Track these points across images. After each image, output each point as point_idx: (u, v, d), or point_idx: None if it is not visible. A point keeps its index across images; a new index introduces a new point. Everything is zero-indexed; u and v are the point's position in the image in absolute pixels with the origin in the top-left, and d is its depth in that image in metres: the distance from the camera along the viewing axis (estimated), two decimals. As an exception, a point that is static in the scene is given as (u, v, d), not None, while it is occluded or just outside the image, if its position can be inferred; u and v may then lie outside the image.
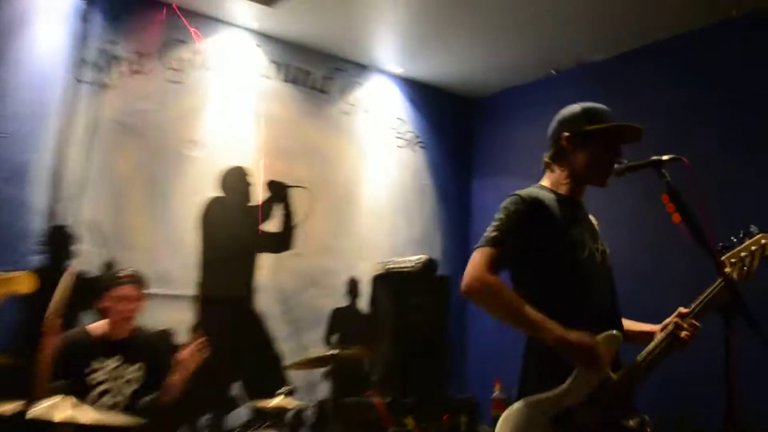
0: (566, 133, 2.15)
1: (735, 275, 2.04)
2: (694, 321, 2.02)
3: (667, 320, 2.09)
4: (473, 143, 5.77)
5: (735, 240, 2.08)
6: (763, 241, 2.06)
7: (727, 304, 1.94)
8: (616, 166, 2.05)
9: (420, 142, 5.54)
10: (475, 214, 5.62)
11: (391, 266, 4.76)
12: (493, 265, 1.96)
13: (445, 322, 4.67)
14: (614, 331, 2.00)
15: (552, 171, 2.21)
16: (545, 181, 2.21)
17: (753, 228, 2.10)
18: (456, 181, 5.69)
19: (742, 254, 2.06)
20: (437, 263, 4.87)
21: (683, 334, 2.01)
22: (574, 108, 2.19)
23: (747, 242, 2.08)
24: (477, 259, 1.97)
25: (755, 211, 3.35)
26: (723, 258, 2.05)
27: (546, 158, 2.21)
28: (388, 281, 4.70)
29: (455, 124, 5.77)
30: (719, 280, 1.99)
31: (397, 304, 4.53)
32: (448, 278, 4.88)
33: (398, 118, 5.46)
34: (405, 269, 4.65)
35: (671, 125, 4.12)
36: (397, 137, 5.43)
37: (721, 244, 2.05)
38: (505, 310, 1.93)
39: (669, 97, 4.35)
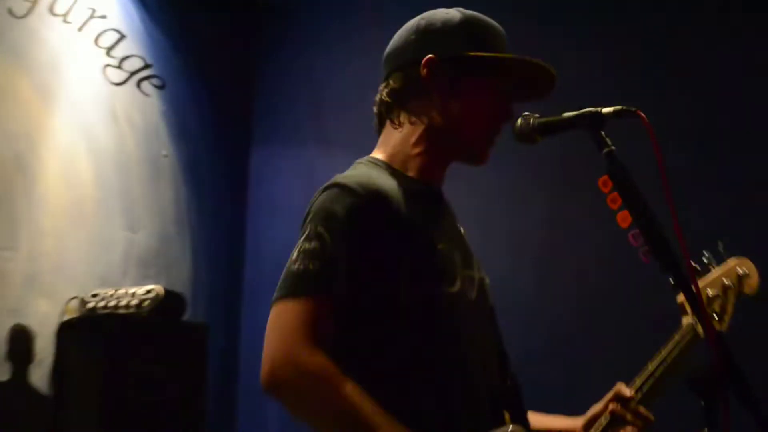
0: (431, 55, 2.12)
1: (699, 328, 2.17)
2: (641, 409, 2.11)
3: (596, 407, 2.19)
4: (253, 84, 5.86)
5: (698, 268, 2.19)
6: (739, 270, 2.23)
7: (705, 375, 1.93)
8: (519, 122, 2.05)
9: (154, 77, 5.39)
10: (255, 209, 5.69)
11: (97, 306, 4.35)
12: (318, 332, 1.87)
13: (200, 408, 4.46)
14: (509, 428, 2.01)
15: (392, 130, 2.20)
16: (379, 152, 2.20)
17: (719, 246, 2.27)
18: (221, 152, 5.72)
19: (708, 293, 2.21)
20: (184, 300, 4.49)
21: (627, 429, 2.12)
22: (449, 14, 2.19)
23: (715, 272, 2.24)
24: (284, 322, 1.89)
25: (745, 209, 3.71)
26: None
27: (380, 105, 2.21)
28: (90, 334, 4.40)
29: (222, 46, 5.79)
30: (684, 330, 2.16)
31: (107, 378, 4.25)
32: (206, 329, 4.74)
33: (114, 30, 5.23)
34: (122, 312, 4.26)
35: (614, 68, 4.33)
36: (111, 66, 5.21)
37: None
38: (338, 423, 1.87)
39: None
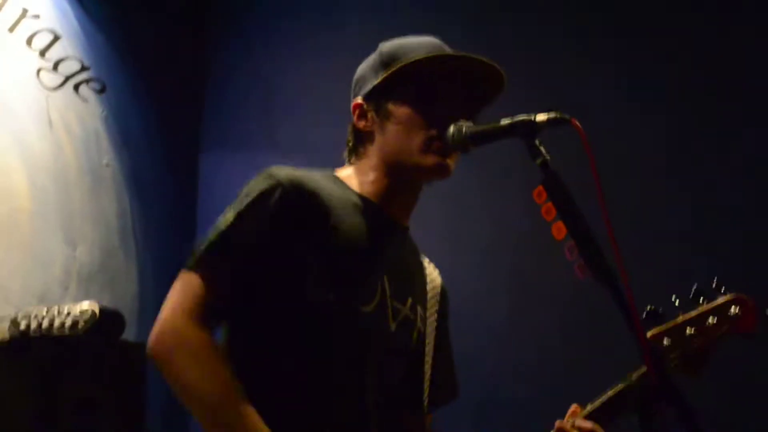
0: (357, 100, 2.29)
1: (674, 363, 2.12)
2: (584, 423, 2.08)
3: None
4: (201, 87, 5.73)
5: (677, 303, 2.16)
6: (733, 310, 2.12)
7: (648, 399, 2.01)
8: (451, 130, 2.07)
9: (93, 80, 5.18)
10: (207, 219, 5.38)
11: (29, 326, 4.17)
12: (208, 308, 1.96)
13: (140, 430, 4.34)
14: None
15: (354, 161, 2.33)
16: (344, 174, 2.30)
17: (715, 283, 2.17)
18: (168, 159, 5.56)
19: (689, 332, 2.13)
20: (121, 318, 4.28)
21: None
22: (370, 56, 2.34)
23: (702, 309, 2.14)
24: (179, 294, 1.98)
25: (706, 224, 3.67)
26: (651, 332, 2.13)
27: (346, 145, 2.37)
28: (20, 357, 4.19)
29: (166, 46, 5.61)
30: (626, 382, 2.11)
31: (39, 402, 4.07)
32: (144, 347, 4.43)
33: (48, 31, 4.98)
34: (56, 333, 4.08)
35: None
36: (45, 69, 4.97)
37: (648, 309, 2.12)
38: (204, 404, 1.93)
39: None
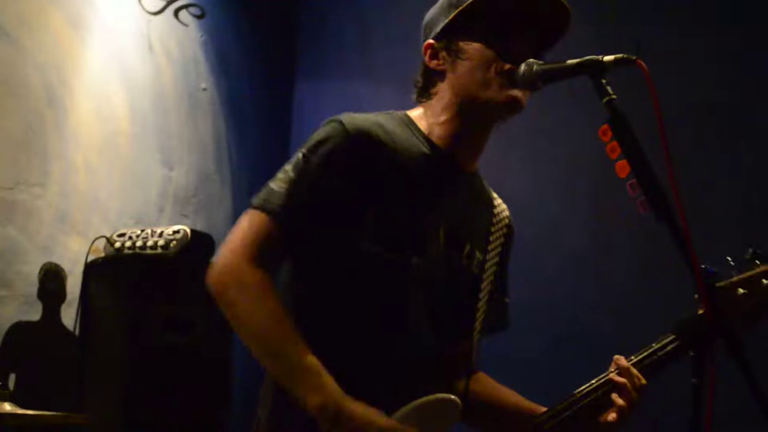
0: (426, 42, 2.24)
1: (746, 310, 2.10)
2: (639, 377, 2.09)
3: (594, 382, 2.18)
4: (298, 15, 5.78)
5: (732, 262, 2.13)
6: (765, 281, 2.13)
7: (694, 326, 1.99)
8: (522, 68, 2.04)
9: (192, 5, 5.28)
10: (300, 144, 5.42)
11: (125, 245, 4.35)
12: (265, 250, 1.97)
13: (225, 348, 4.41)
14: (439, 396, 2.08)
15: (425, 103, 2.26)
16: (412, 113, 2.24)
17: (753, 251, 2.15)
18: (264, 86, 5.66)
19: (740, 291, 2.12)
20: (212, 241, 4.43)
21: (620, 399, 2.07)
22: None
23: (757, 270, 2.12)
24: (243, 230, 2.00)
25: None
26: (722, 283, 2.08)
27: (415, 84, 2.30)
28: (117, 275, 4.38)
29: None
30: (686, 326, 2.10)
31: (129, 319, 4.23)
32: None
33: None
34: (149, 252, 4.26)
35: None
36: None
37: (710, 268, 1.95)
38: (255, 335, 1.98)
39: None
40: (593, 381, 2.12)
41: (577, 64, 1.93)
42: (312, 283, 2.08)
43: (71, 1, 4.72)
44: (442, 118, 2.17)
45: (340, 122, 2.04)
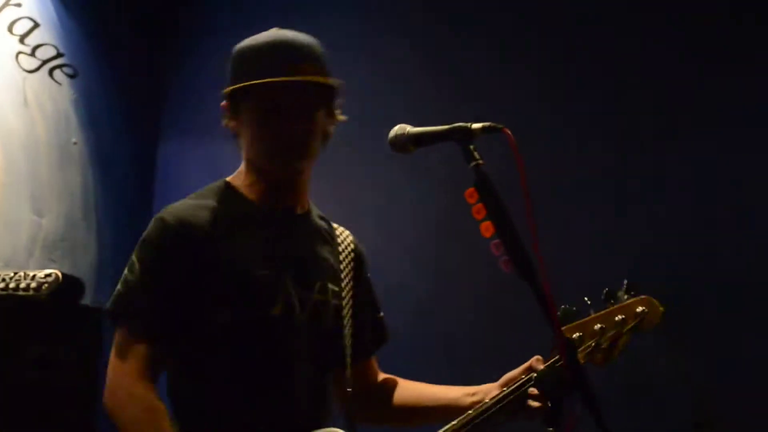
0: (223, 101, 2.29)
1: (583, 358, 2.10)
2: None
3: (510, 374, 2.18)
4: (167, 74, 5.70)
5: (588, 302, 2.18)
6: (638, 309, 2.14)
7: (553, 378, 2.05)
8: (394, 134, 2.04)
9: (66, 66, 5.19)
10: (163, 199, 5.25)
11: None
12: (140, 362, 2.05)
13: (93, 387, 4.21)
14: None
15: (242, 164, 2.32)
16: (234, 176, 2.31)
17: (624, 286, 2.20)
18: (132, 140, 5.56)
19: (597, 326, 2.14)
20: (81, 285, 4.41)
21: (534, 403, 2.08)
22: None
23: (610, 309, 2.17)
24: (115, 354, 2.09)
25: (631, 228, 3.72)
26: (564, 327, 2.09)
27: None
28: None
29: (136, 37, 5.62)
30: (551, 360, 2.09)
31: (4, 356, 4.09)
32: (98, 311, 4.47)
33: (28, 18, 4.99)
34: (20, 294, 3.93)
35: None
36: (23, 53, 4.98)
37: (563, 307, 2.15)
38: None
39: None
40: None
41: (447, 130, 1.97)
42: (188, 366, 2.12)
43: None
44: (249, 180, 2.24)
45: (161, 218, 2.16)
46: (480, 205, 1.88)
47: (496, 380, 2.22)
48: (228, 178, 2.28)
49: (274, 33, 2.28)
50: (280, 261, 2.17)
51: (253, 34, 5.19)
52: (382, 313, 2.40)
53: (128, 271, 2.12)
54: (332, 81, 2.21)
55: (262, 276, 2.12)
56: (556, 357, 2.06)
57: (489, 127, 1.91)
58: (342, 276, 2.28)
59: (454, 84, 4.35)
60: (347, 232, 2.40)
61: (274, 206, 2.22)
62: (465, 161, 1.92)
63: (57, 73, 5.12)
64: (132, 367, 2.04)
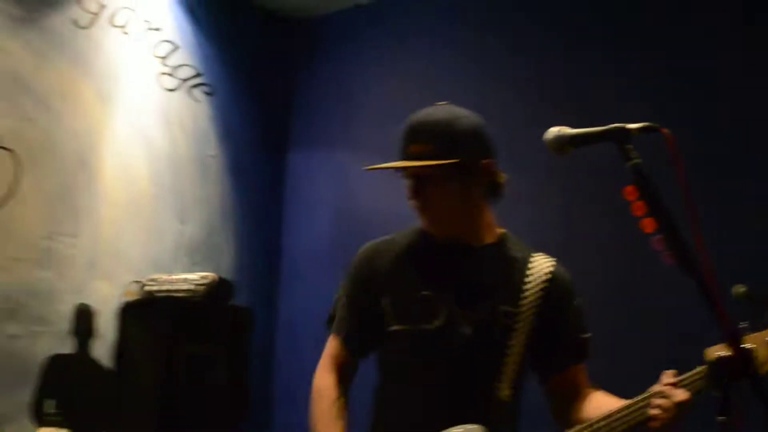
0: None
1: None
2: (684, 394, 1.98)
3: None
4: (292, 94, 5.86)
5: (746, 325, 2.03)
6: None
7: (723, 367, 1.91)
8: (553, 135, 2.03)
9: (204, 84, 5.44)
10: (293, 206, 5.71)
11: (155, 289, 4.42)
12: (337, 358, 2.41)
13: (243, 382, 4.45)
14: (462, 427, 2.16)
15: None
16: None
17: None
18: (263, 153, 5.75)
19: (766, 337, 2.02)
20: (232, 286, 4.53)
21: (655, 411, 1.99)
22: None
23: None
24: (325, 350, 2.46)
25: None
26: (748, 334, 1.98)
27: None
28: (147, 315, 4.44)
29: (266, 58, 5.81)
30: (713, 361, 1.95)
31: (162, 354, 4.25)
32: (249, 312, 4.62)
33: (168, 42, 5.25)
34: (178, 295, 4.32)
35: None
36: (166, 74, 5.24)
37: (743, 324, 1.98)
38: (311, 416, 2.35)
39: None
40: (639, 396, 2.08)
41: (605, 130, 1.98)
42: (378, 364, 2.42)
43: (101, 79, 4.85)
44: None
45: (358, 251, 2.45)
46: (640, 202, 1.86)
47: None
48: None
49: (418, 112, 2.35)
50: (445, 284, 2.31)
51: (366, 60, 5.39)
52: (586, 335, 2.39)
53: (338, 288, 2.47)
54: (417, 164, 2.25)
55: (425, 296, 2.30)
56: (722, 353, 1.96)
57: (647, 127, 1.92)
58: (521, 299, 2.32)
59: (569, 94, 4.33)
60: (544, 262, 2.40)
61: (449, 241, 2.35)
62: (623, 160, 1.90)
63: (196, 91, 5.36)
64: (329, 359, 2.41)
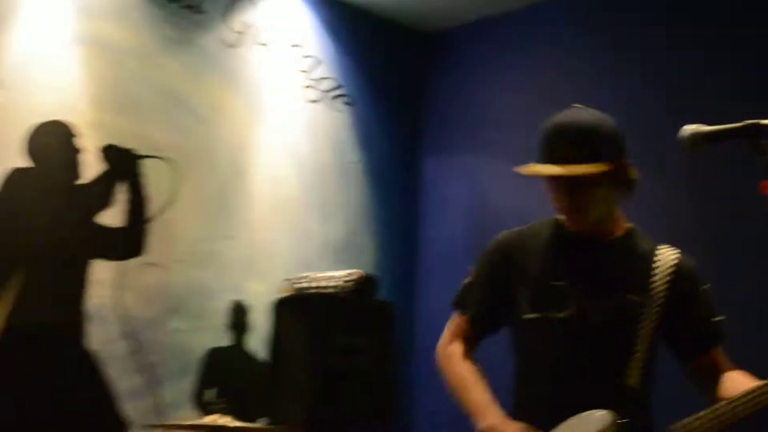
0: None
1: None
2: None
3: None
4: (424, 101, 5.90)
5: None
6: None
7: None
8: (689, 133, 2.04)
9: (344, 96, 5.55)
10: (427, 207, 5.75)
11: (305, 286, 4.52)
12: (461, 334, 2.51)
13: (389, 373, 4.52)
14: (590, 413, 2.20)
15: None
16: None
17: None
18: (398, 158, 5.83)
19: None
20: (376, 282, 4.62)
21: None
22: None
23: None
24: (447, 327, 2.56)
25: None
26: None
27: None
28: (300, 310, 4.49)
29: (398, 70, 5.88)
30: None
31: (314, 346, 4.33)
32: (392, 306, 4.67)
33: (310, 57, 5.40)
34: (327, 291, 4.42)
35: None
36: (309, 86, 5.38)
37: None
38: (450, 387, 2.46)
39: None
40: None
41: (740, 127, 1.99)
42: (513, 347, 2.49)
43: (249, 93, 5.02)
44: None
45: (494, 239, 2.52)
46: None
47: None
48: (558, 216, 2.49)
49: (559, 116, 2.38)
50: (576, 275, 2.37)
51: (492, 70, 5.39)
52: (718, 318, 2.42)
53: (468, 274, 2.54)
54: (577, 169, 2.27)
55: (557, 286, 2.37)
56: None
57: None
58: (649, 289, 2.36)
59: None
60: (672, 253, 2.43)
61: (582, 235, 2.41)
62: (756, 155, 1.92)
63: (337, 102, 5.49)
64: (454, 337, 2.50)
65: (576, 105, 2.38)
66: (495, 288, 2.46)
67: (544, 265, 2.40)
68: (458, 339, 2.49)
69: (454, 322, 2.53)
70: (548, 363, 2.36)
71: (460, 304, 2.53)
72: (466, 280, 2.53)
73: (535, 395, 2.37)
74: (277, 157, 5.16)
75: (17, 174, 4.10)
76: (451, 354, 2.47)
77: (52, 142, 4.25)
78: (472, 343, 2.50)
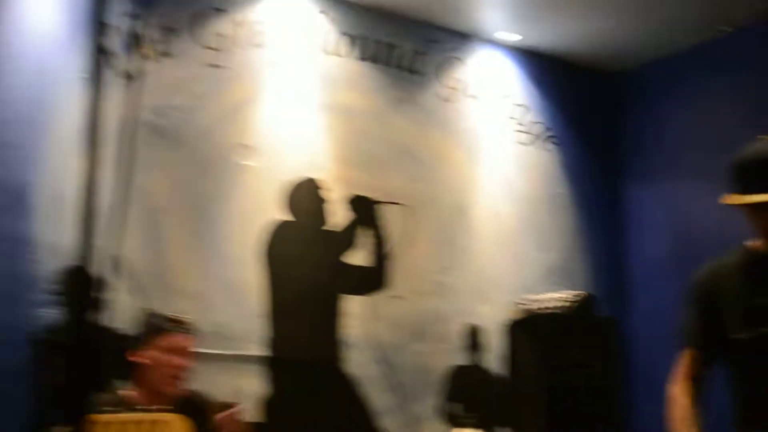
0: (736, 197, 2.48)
1: None
2: None
3: None
4: (621, 135, 5.93)
5: None
6: None
7: None
8: None
9: (551, 136, 5.67)
10: (632, 230, 5.78)
11: (534, 307, 4.66)
12: (690, 365, 2.55)
13: (614, 383, 4.59)
14: None
15: None
16: (751, 241, 2.51)
17: None
18: (602, 188, 5.87)
19: None
20: (596, 300, 4.75)
21: None
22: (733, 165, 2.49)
23: None
24: (680, 363, 2.58)
25: None
26: None
27: None
28: (531, 329, 4.63)
29: (596, 109, 5.92)
30: None
31: (546, 361, 4.45)
32: (614, 321, 4.81)
33: (518, 105, 5.57)
34: (554, 311, 4.55)
35: None
36: (519, 131, 5.54)
37: None
38: (669, 419, 2.51)
39: None
40: None
41: None
42: (728, 367, 2.51)
43: (467, 141, 5.24)
44: (763, 242, 2.49)
45: (694, 276, 2.57)
46: None
47: None
48: (746, 243, 2.51)
49: (750, 149, 2.43)
50: (759, 299, 2.41)
51: (691, 94, 5.31)
52: None
53: (683, 309, 2.60)
54: None
55: (760, 303, 2.40)
56: None
57: None
58: None
59: None
60: None
61: None
62: None
63: (546, 142, 5.64)
64: (682, 371, 2.55)
65: (761, 137, 2.43)
66: (709, 317, 2.50)
67: (746, 287, 2.43)
68: (686, 376, 2.53)
69: (683, 358, 2.56)
70: (762, 377, 2.42)
71: (683, 340, 2.58)
72: (681, 323, 2.60)
73: (755, 410, 2.43)
74: (494, 196, 5.32)
75: (281, 225, 4.48)
76: (675, 397, 2.51)
77: (306, 196, 4.58)
78: (702, 379, 2.53)
